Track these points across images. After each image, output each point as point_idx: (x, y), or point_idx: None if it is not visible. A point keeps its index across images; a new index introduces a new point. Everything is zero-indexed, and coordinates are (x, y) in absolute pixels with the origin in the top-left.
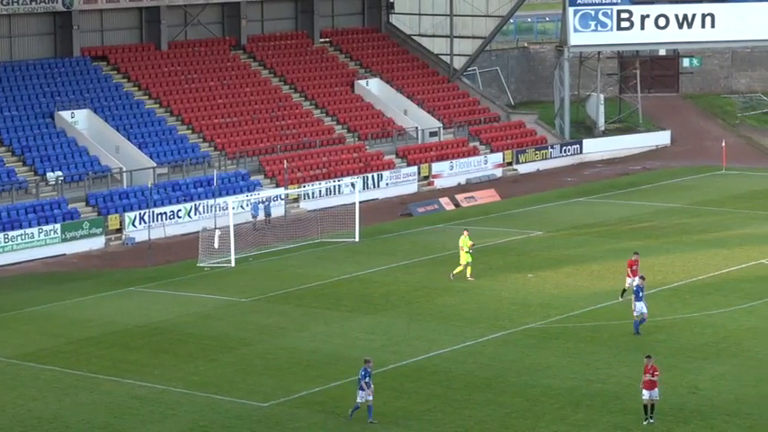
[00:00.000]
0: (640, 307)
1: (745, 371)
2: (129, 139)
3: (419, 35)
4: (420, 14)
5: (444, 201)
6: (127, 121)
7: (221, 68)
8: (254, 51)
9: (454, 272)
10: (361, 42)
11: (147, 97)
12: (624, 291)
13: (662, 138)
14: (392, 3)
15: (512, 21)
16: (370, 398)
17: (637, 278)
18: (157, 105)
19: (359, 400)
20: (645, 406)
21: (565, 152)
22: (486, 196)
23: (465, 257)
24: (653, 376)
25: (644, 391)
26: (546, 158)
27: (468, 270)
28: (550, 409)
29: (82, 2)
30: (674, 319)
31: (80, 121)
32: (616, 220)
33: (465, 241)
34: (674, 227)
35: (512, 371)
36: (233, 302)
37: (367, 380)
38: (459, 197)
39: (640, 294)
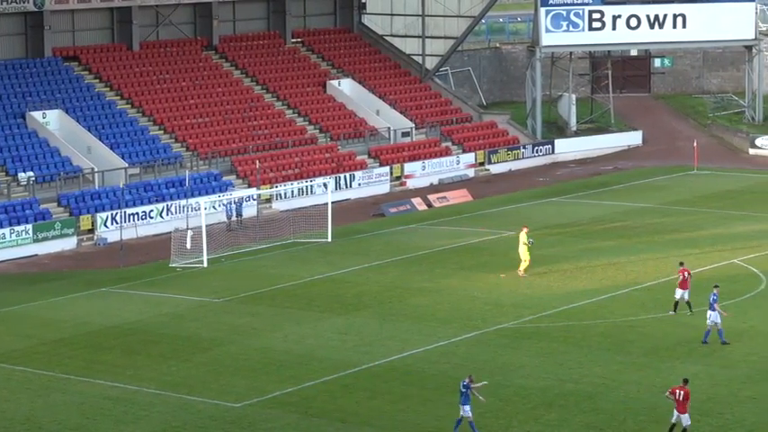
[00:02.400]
0: (714, 316)
1: (717, 370)
2: (100, 140)
3: (391, 35)
4: (392, 15)
5: (417, 201)
6: (99, 121)
7: (193, 69)
8: (225, 52)
9: (520, 269)
10: (333, 43)
11: (118, 98)
12: (677, 304)
13: (634, 138)
14: (364, 3)
15: (483, 21)
16: (470, 414)
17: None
18: (129, 106)
19: (465, 414)
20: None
21: (537, 152)
22: (459, 196)
23: (526, 253)
24: (685, 399)
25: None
26: (518, 159)
27: (524, 266)
28: (523, 408)
29: (53, 2)
30: (647, 318)
31: (52, 121)
32: (588, 220)
33: (525, 237)
34: (646, 227)
35: (485, 371)
36: (205, 303)
37: (469, 393)
38: (431, 197)
39: (714, 305)
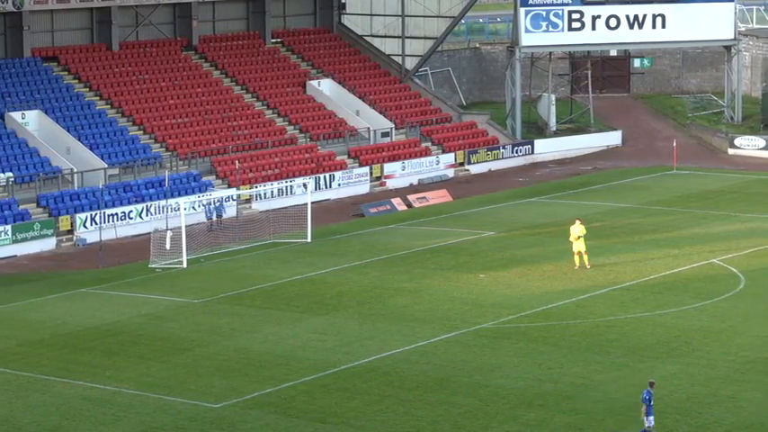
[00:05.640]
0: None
1: (696, 370)
2: (80, 140)
3: (371, 36)
4: (372, 15)
5: (396, 201)
6: (78, 121)
7: (173, 69)
8: (205, 52)
9: (585, 263)
10: (312, 43)
11: (98, 98)
12: None
13: (613, 138)
14: (344, 3)
15: (463, 21)
16: (652, 424)
17: None
18: (108, 106)
19: (647, 425)
20: None
21: (516, 152)
22: (438, 196)
23: (578, 245)
24: None
25: None
26: (497, 159)
27: (580, 259)
28: (502, 409)
29: (32, 2)
30: (626, 318)
31: (31, 121)
32: (568, 219)
33: (579, 230)
34: (626, 227)
35: (464, 371)
36: (185, 303)
37: (652, 403)
38: (411, 197)
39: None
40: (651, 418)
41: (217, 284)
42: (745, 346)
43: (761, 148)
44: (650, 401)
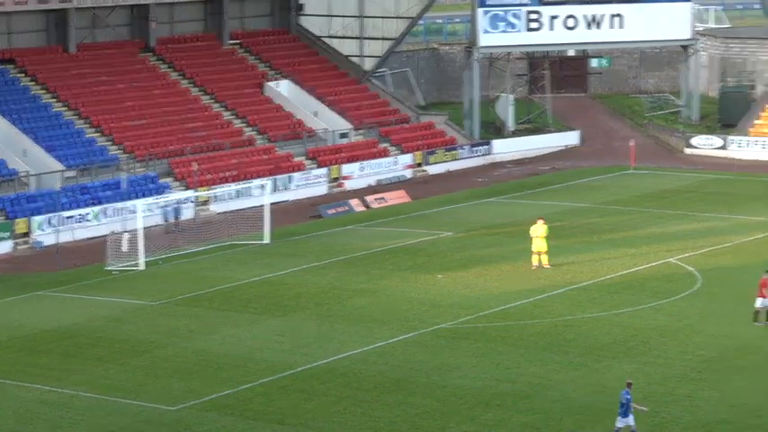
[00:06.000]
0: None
1: (653, 369)
2: (36, 143)
3: (329, 36)
4: (330, 16)
5: (355, 202)
6: (35, 124)
7: (130, 71)
8: (163, 53)
9: (544, 263)
10: (270, 44)
11: (55, 100)
12: (757, 313)
13: (571, 138)
14: (302, 4)
15: (421, 22)
16: (632, 423)
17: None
18: (66, 108)
19: (621, 425)
20: None
21: (474, 153)
22: (397, 197)
23: (539, 245)
24: None
25: None
26: (456, 159)
27: (539, 259)
28: (460, 409)
29: None
30: (583, 318)
31: None
32: (526, 219)
33: (542, 229)
34: (583, 226)
35: (422, 371)
36: (142, 306)
37: (630, 404)
38: (369, 198)
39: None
40: (629, 418)
41: (175, 286)
42: (701, 345)
43: (718, 148)
44: (628, 402)
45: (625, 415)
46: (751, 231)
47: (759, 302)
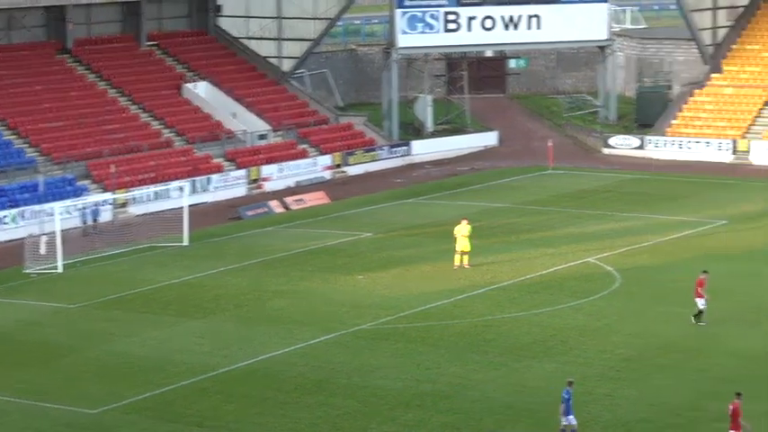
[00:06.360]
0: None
1: (572, 368)
2: None
3: (247, 38)
4: (248, 17)
5: (274, 204)
6: None
7: (47, 72)
8: (80, 55)
9: (465, 263)
10: (188, 45)
11: None
12: (700, 313)
13: (490, 138)
14: (219, 5)
15: (340, 23)
16: (574, 422)
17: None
18: None
19: (565, 423)
20: None
21: (393, 153)
22: (316, 198)
23: (463, 244)
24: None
25: None
26: (375, 160)
27: (461, 259)
28: (381, 409)
29: None
30: (503, 318)
31: None
32: (445, 220)
33: (466, 229)
34: (503, 227)
35: (342, 372)
36: (61, 309)
37: (571, 402)
38: (288, 200)
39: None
40: (570, 417)
41: (94, 289)
42: (620, 345)
43: (635, 148)
44: (569, 401)
45: (567, 413)
46: (668, 231)
47: (701, 303)
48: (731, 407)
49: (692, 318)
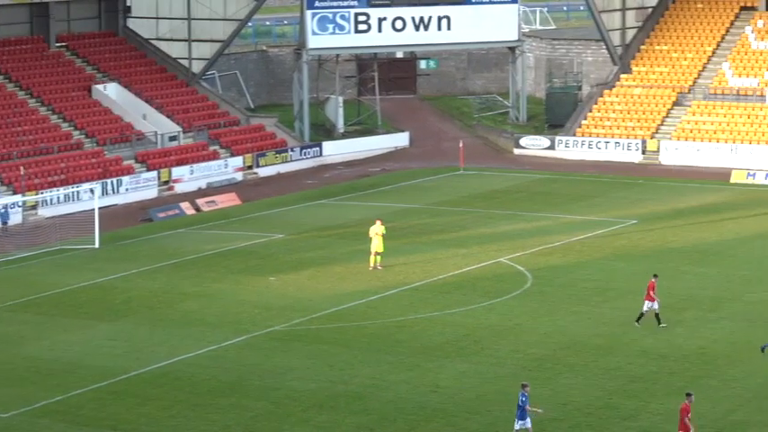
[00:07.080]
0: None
1: (485, 368)
2: None
3: (157, 39)
4: (157, 18)
5: (185, 205)
6: None
7: None
8: None
9: (377, 263)
10: (97, 47)
11: None
12: (642, 315)
13: (401, 139)
14: (129, 6)
15: (250, 24)
16: (529, 425)
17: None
18: None
19: (517, 427)
20: None
21: (305, 155)
22: (227, 200)
23: (377, 245)
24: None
25: None
26: (286, 161)
27: (376, 259)
28: (295, 411)
29: None
30: (416, 318)
31: None
32: (357, 221)
33: (380, 229)
34: (414, 227)
35: (255, 374)
36: None
37: (527, 406)
38: (199, 201)
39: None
40: (525, 421)
41: (3, 292)
42: (532, 344)
43: (545, 148)
44: (524, 405)
45: (522, 417)
46: (578, 231)
47: (646, 305)
48: (681, 406)
49: (636, 322)
